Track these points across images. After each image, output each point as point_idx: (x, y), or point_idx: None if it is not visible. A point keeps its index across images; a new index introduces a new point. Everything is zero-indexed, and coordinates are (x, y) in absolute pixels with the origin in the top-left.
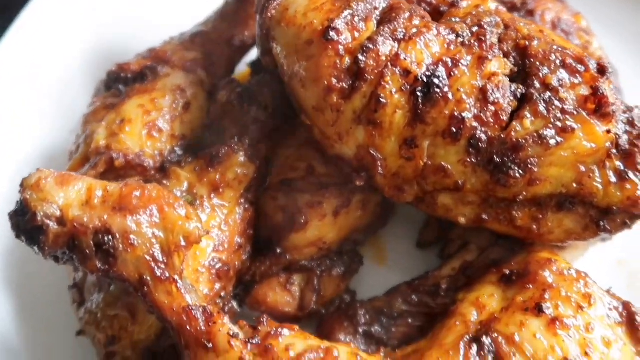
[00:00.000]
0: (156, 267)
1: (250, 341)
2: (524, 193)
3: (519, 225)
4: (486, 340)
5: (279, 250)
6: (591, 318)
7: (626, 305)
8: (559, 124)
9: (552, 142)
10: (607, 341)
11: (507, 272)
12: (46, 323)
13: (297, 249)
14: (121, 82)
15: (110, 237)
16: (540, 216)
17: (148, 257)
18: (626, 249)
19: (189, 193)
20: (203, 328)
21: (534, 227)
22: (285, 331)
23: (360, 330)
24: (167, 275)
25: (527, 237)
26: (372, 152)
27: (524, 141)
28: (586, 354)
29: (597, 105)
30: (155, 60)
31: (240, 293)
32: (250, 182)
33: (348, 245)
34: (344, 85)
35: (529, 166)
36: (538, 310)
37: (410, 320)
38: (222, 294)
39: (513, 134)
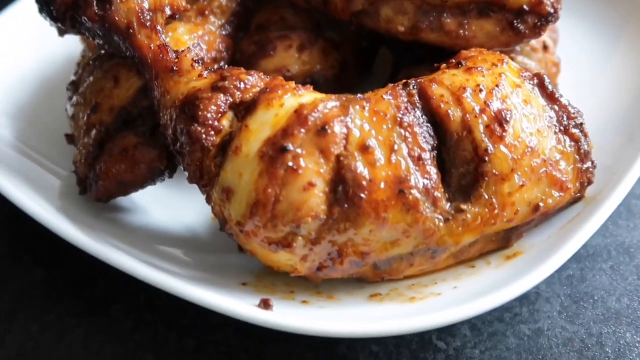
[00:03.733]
0: (142, 15)
1: (210, 68)
2: None
3: (448, 30)
4: (411, 82)
5: None
6: (504, 70)
7: (537, 74)
8: None
9: None
10: (516, 84)
11: (436, 65)
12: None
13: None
14: None
15: None
16: (465, 22)
17: (137, 8)
18: None
19: None
20: (173, 58)
21: (461, 31)
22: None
23: None
24: (150, 23)
25: (457, 43)
26: None
27: None
28: (496, 85)
29: None
30: None
31: None
32: (231, 16)
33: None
34: None
35: None
36: (457, 64)
37: None
38: None
39: None
